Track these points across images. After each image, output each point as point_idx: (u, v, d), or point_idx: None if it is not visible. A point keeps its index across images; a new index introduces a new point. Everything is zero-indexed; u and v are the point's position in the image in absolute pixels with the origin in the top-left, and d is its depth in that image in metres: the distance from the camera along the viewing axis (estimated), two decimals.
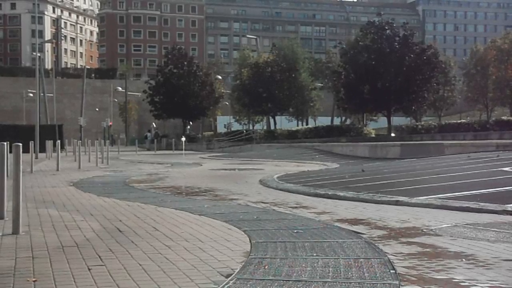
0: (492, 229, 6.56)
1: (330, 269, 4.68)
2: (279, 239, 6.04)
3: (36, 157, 29.69)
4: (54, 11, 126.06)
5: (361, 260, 5.01)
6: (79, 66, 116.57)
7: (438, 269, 4.74)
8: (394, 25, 43.19)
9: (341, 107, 47.91)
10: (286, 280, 4.32)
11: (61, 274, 4.59)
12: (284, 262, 4.93)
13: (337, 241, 5.89)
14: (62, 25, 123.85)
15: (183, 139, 36.54)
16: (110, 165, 23.75)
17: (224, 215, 7.94)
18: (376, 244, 5.75)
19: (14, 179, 6.74)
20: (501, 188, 9.82)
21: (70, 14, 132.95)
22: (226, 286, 4.21)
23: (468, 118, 58.59)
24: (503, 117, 43.62)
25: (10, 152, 7.23)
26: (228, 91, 67.96)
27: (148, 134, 63.84)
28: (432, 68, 41.03)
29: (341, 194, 10.38)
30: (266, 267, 4.76)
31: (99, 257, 5.25)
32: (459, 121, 44.90)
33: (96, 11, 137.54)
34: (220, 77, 71.17)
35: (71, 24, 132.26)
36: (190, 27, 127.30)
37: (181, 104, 57.30)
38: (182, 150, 30.86)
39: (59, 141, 30.45)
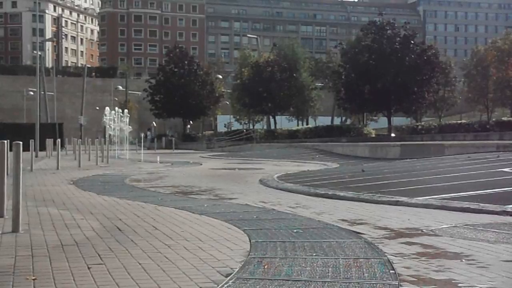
0: (492, 230, 6.56)
1: (330, 269, 4.68)
2: (278, 238, 6.04)
3: (36, 156, 29.69)
4: (55, 10, 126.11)
5: (361, 260, 5.01)
6: (79, 65, 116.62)
7: (437, 270, 4.74)
8: (395, 25, 43.16)
9: (342, 107, 47.90)
10: (285, 280, 4.32)
11: (60, 273, 4.59)
12: (284, 262, 4.92)
13: (336, 241, 5.88)
14: (63, 24, 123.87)
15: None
16: (110, 163, 23.75)
17: (224, 214, 7.93)
18: (376, 244, 5.75)
19: (14, 178, 6.74)
20: (501, 189, 9.81)
21: (71, 13, 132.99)
22: (226, 285, 4.21)
23: (467, 119, 58.47)
24: (503, 118, 43.52)
25: (10, 150, 7.22)
26: (228, 91, 67.89)
27: (148, 133, 63.85)
28: (432, 69, 40.99)
29: (341, 194, 10.37)
30: (266, 266, 4.76)
31: (99, 256, 5.25)
32: (459, 121, 44.81)
33: (97, 10, 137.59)
34: (220, 76, 71.11)
35: (72, 23, 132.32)
36: (190, 26, 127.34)
37: (182, 103, 57.35)
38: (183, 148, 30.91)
39: (59, 139, 30.44)
